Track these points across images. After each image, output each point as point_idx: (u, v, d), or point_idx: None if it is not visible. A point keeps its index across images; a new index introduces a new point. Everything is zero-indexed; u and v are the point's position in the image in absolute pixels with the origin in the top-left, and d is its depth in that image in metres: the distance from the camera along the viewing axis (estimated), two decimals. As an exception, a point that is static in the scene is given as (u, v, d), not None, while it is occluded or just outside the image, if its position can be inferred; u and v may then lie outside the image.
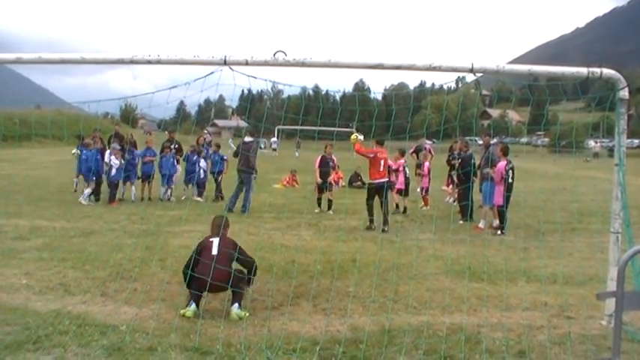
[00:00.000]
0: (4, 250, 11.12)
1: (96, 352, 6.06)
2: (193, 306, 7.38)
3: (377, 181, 14.82)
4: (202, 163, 19.99)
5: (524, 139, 76.28)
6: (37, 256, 10.61)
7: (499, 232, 13.99)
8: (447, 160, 20.08)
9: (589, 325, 7.30)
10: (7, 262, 10.09)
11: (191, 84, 6.99)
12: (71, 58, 7.06)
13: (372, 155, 14.97)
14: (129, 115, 71.23)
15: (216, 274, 7.28)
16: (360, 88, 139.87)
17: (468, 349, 6.38)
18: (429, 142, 23.86)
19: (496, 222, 14.39)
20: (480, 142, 18.13)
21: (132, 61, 6.88)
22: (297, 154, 51.72)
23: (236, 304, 7.44)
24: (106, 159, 18.54)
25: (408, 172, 18.59)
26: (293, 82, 7.88)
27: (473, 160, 16.13)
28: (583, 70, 6.99)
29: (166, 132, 22.81)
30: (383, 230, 14.35)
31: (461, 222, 15.57)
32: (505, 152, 14.66)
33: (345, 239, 12.80)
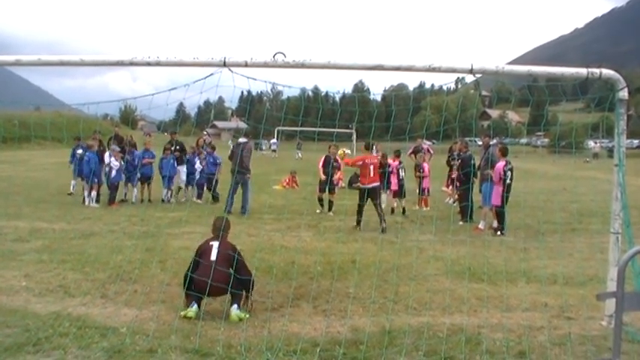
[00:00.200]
0: (3, 252, 11.11)
1: (96, 355, 6.06)
2: (195, 307, 7.38)
3: (367, 185, 15.00)
4: (197, 164, 19.94)
5: (523, 140, 76.40)
6: (37, 258, 10.61)
7: (499, 232, 13.99)
8: (446, 160, 20.08)
9: (589, 325, 7.29)
10: (7, 264, 10.08)
11: (191, 85, 6.98)
12: (71, 60, 7.06)
13: (360, 163, 15.29)
14: (128, 117, 71.40)
15: (216, 278, 7.28)
16: (360, 89, 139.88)
17: (468, 350, 6.38)
18: (428, 142, 23.89)
19: (495, 223, 14.38)
20: (480, 142, 18.15)
21: (131, 63, 6.88)
22: (299, 155, 51.70)
23: (235, 305, 7.44)
24: (106, 160, 18.53)
25: (402, 173, 18.64)
26: (292, 84, 7.93)
27: (473, 161, 16.13)
28: (582, 71, 7.00)
29: (166, 133, 22.85)
30: (382, 230, 14.42)
31: (461, 223, 15.57)
32: (504, 153, 14.66)
33: (345, 240, 12.80)
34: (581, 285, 9.25)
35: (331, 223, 15.66)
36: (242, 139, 17.52)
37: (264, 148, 61.11)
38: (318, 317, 7.59)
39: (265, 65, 6.80)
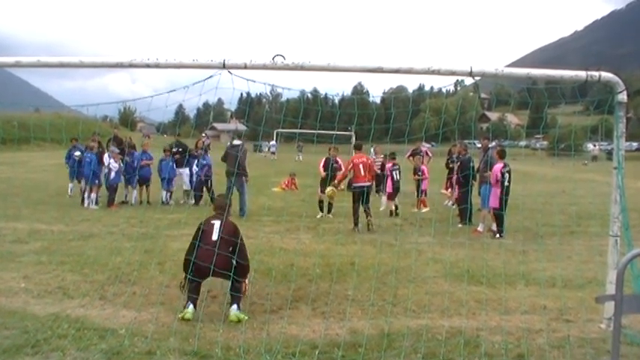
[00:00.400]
0: (2, 253, 11.11)
1: (95, 356, 6.06)
2: (191, 307, 7.38)
3: (359, 184, 15.25)
4: (194, 167, 19.90)
5: (522, 143, 76.38)
6: (36, 260, 10.61)
7: (497, 235, 13.99)
8: (445, 163, 20.09)
9: (588, 328, 7.29)
10: (6, 266, 10.08)
11: (190, 87, 6.98)
12: (70, 62, 7.06)
13: (350, 166, 15.54)
14: (128, 119, 71.42)
15: (217, 261, 7.32)
16: (359, 91, 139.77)
17: (467, 353, 6.38)
18: (426, 144, 23.89)
19: (494, 225, 14.38)
20: (479, 145, 18.17)
21: (131, 65, 6.88)
22: (300, 157, 51.68)
23: (235, 306, 7.44)
24: (105, 162, 18.53)
25: (396, 175, 18.70)
26: (292, 86, 7.92)
27: (472, 164, 16.15)
28: (582, 74, 7.00)
29: (165, 135, 22.81)
30: (368, 229, 14.81)
31: (460, 225, 15.57)
32: (501, 155, 14.68)
33: (343, 242, 12.80)
34: (580, 288, 9.25)
35: (330, 225, 15.65)
36: (237, 141, 17.48)
37: (264, 149, 61.08)
38: (317, 319, 7.59)
39: (264, 67, 6.80)
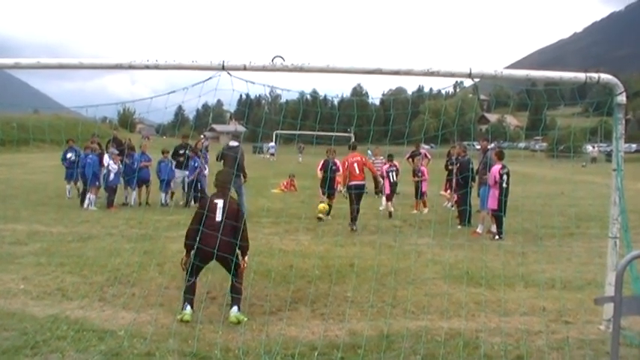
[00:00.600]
0: (1, 254, 11.11)
1: (94, 358, 6.06)
2: (188, 308, 7.38)
3: (354, 183, 15.51)
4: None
5: (522, 144, 76.48)
6: (35, 261, 10.60)
7: (497, 236, 13.99)
8: (445, 165, 20.10)
9: (587, 330, 7.29)
10: (5, 267, 10.07)
11: (189, 89, 7.00)
12: (69, 63, 7.07)
13: (346, 166, 15.80)
14: (127, 120, 71.35)
15: (220, 243, 7.31)
16: (358, 93, 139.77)
17: (466, 355, 6.38)
18: (426, 146, 23.90)
19: (493, 227, 14.38)
20: (478, 146, 18.18)
21: (130, 67, 6.88)
22: (300, 158, 51.63)
23: (235, 307, 7.45)
24: (105, 163, 18.52)
25: (393, 177, 18.76)
26: (291, 87, 7.89)
27: (471, 165, 16.16)
28: (581, 75, 7.01)
29: (165, 137, 22.73)
30: (352, 229, 15.01)
31: (459, 227, 15.58)
32: (500, 156, 14.69)
33: (343, 244, 12.79)
34: (579, 289, 9.25)
35: (329, 226, 15.65)
36: (233, 143, 17.43)
37: (265, 151, 61.08)
38: (316, 321, 7.59)
39: (264, 69, 6.80)
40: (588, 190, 25.86)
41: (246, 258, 7.84)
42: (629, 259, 4.62)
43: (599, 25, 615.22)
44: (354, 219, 15.31)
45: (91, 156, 18.82)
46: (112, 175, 18.31)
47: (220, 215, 7.56)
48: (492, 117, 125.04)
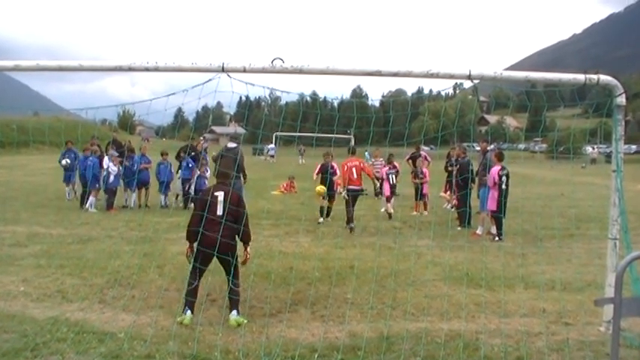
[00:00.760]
0: (1, 256, 11.12)
1: (94, 360, 6.06)
2: (189, 313, 7.37)
3: (351, 187, 15.59)
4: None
5: (521, 145, 76.46)
6: (35, 263, 10.60)
7: (496, 238, 13.99)
8: (445, 166, 20.10)
9: (587, 331, 7.30)
10: (5, 269, 10.07)
11: (189, 91, 7.00)
12: (69, 66, 7.07)
13: (345, 169, 15.91)
14: (127, 122, 71.33)
15: (221, 238, 7.29)
16: (358, 94, 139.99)
17: (466, 356, 6.38)
18: (426, 147, 23.91)
19: (493, 228, 14.38)
20: (478, 148, 18.19)
21: (130, 69, 6.89)
22: (302, 160, 51.54)
23: (235, 312, 7.44)
24: (104, 166, 18.52)
25: (393, 179, 18.78)
26: (291, 89, 7.88)
27: (471, 167, 16.16)
28: (580, 77, 7.01)
29: (164, 139, 22.69)
30: (350, 229, 15.12)
31: (459, 228, 15.57)
32: (499, 158, 14.69)
33: (343, 246, 12.79)
34: (579, 291, 9.24)
35: (329, 228, 15.65)
36: (231, 144, 17.41)
37: (265, 152, 61.06)
38: (316, 323, 7.59)
39: (263, 71, 6.81)
40: (588, 192, 25.85)
41: (248, 249, 7.81)
42: (628, 261, 4.62)
43: (599, 27, 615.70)
44: (350, 220, 15.41)
45: (91, 158, 18.83)
46: (111, 178, 18.30)
47: (221, 209, 7.51)
48: (492, 118, 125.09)
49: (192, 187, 18.96)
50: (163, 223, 15.20)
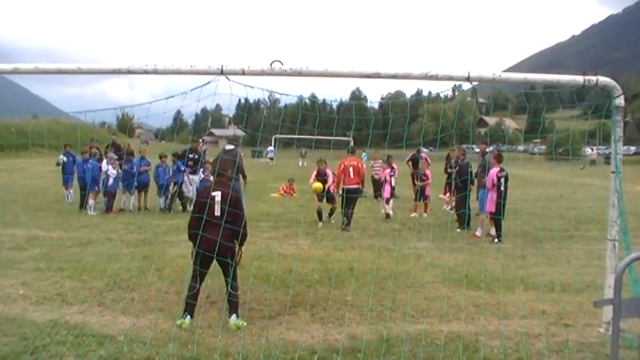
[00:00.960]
0: (0, 260, 11.10)
1: (93, 363, 6.05)
2: (188, 318, 7.34)
3: (348, 186, 15.87)
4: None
5: (521, 147, 76.49)
6: (35, 266, 10.60)
7: (496, 239, 13.99)
8: (444, 168, 20.11)
9: (587, 332, 7.29)
10: (5, 272, 10.07)
11: (188, 94, 6.99)
12: (68, 69, 7.06)
13: (342, 168, 16.17)
14: (126, 125, 71.36)
15: (220, 239, 7.26)
16: (357, 96, 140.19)
17: (465, 358, 6.38)
18: (425, 149, 23.93)
19: (492, 230, 14.38)
20: (477, 149, 18.19)
21: (129, 71, 6.89)
22: (304, 163, 51.43)
23: (234, 316, 7.43)
24: (103, 168, 18.52)
25: (393, 181, 18.84)
26: (290, 92, 7.89)
27: (470, 168, 16.17)
28: (579, 78, 7.01)
29: (164, 141, 22.70)
30: (345, 229, 15.33)
31: (458, 230, 15.57)
32: (498, 159, 14.69)
33: (342, 248, 12.79)
34: (578, 292, 9.24)
35: (329, 230, 15.65)
36: (229, 146, 17.41)
37: (264, 155, 61.03)
38: (316, 325, 7.58)
39: (262, 73, 6.80)
40: (587, 193, 25.88)
41: (243, 248, 7.79)
42: (628, 262, 4.63)
43: (597, 28, 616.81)
44: (347, 221, 15.56)
45: (91, 161, 18.84)
46: (110, 180, 18.30)
47: (219, 210, 7.48)
48: (491, 120, 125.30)
49: (192, 188, 18.94)
50: (163, 226, 15.22)
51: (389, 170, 19.22)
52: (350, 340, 6.98)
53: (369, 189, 21.98)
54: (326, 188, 16.89)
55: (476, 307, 8.41)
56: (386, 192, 18.60)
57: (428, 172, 19.66)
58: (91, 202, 18.12)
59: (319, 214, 16.93)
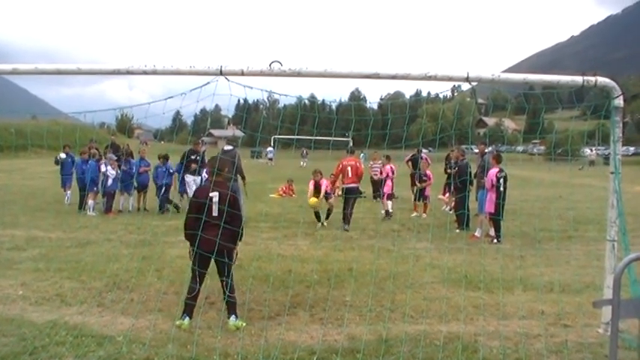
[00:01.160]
0: (0, 260, 11.09)
1: (92, 363, 6.05)
2: (187, 319, 7.32)
3: (346, 186, 16.05)
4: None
5: (520, 148, 76.55)
6: (34, 267, 10.59)
7: (495, 240, 13.99)
8: (444, 168, 20.12)
9: (586, 333, 7.30)
10: (4, 273, 10.06)
11: (187, 94, 6.98)
12: (67, 69, 7.06)
13: (340, 167, 16.34)
14: (125, 125, 71.33)
15: (217, 241, 7.20)
16: (356, 97, 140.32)
17: (465, 358, 6.38)
18: (424, 150, 23.93)
19: (491, 230, 14.38)
20: (476, 150, 18.20)
21: (128, 72, 6.88)
22: (305, 163, 51.44)
23: (233, 317, 7.42)
24: (102, 169, 18.51)
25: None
26: (289, 92, 7.89)
27: (469, 169, 16.17)
28: (578, 79, 7.01)
29: (162, 142, 22.70)
30: (344, 229, 15.39)
31: (457, 231, 15.56)
32: (498, 160, 14.69)
33: (341, 248, 12.79)
34: (577, 292, 9.25)
35: (328, 231, 15.65)
36: (228, 147, 17.39)
37: (263, 155, 61.06)
38: (315, 325, 7.58)
39: (261, 74, 6.80)
40: (586, 194, 25.90)
41: (237, 248, 7.73)
42: (627, 262, 4.63)
43: (597, 28, 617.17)
44: (346, 222, 15.66)
45: (90, 162, 18.84)
46: (109, 181, 18.29)
47: (217, 210, 7.42)
48: (490, 120, 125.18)
49: (191, 190, 18.87)
50: (162, 227, 15.20)
51: (389, 167, 19.23)
52: (349, 340, 6.98)
53: (367, 189, 21.99)
54: (321, 195, 16.80)
55: (475, 307, 8.41)
56: (387, 187, 18.58)
57: (429, 172, 19.67)
58: (90, 202, 18.12)
59: (317, 215, 16.92)
